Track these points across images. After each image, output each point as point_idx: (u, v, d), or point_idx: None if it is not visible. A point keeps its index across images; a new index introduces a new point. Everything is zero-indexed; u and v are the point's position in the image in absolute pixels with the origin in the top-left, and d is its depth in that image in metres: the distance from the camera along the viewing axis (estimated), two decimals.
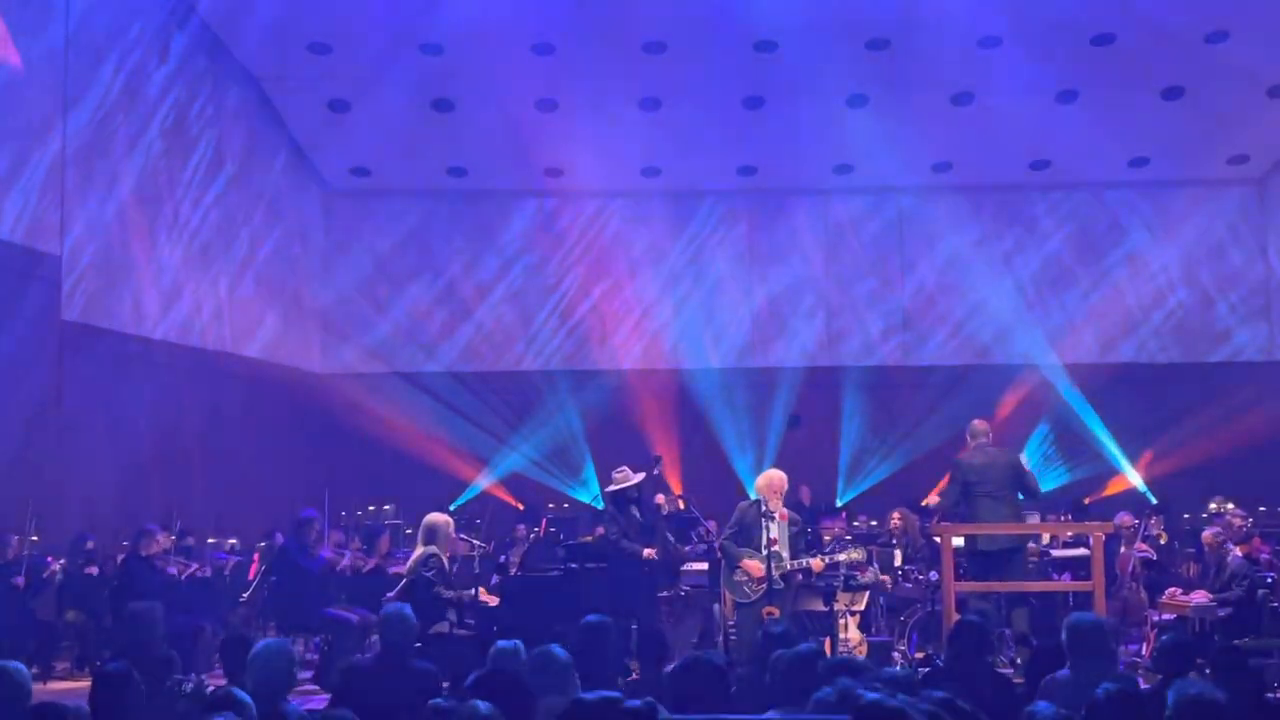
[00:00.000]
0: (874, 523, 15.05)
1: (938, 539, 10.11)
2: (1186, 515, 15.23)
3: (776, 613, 9.39)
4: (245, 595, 11.74)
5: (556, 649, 5.61)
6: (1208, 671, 7.61)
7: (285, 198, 16.23)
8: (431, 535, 9.35)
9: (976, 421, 10.56)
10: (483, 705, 4.30)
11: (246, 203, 15.20)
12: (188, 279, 14.05)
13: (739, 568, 9.75)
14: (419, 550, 9.33)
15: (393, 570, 11.60)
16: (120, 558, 11.10)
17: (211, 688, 6.05)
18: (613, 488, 10.82)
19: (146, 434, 12.96)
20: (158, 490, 12.72)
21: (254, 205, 15.39)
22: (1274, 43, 14.19)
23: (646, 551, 10.44)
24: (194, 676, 7.86)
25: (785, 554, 9.71)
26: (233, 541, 13.30)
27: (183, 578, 11.25)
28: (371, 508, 16.01)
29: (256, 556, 12.50)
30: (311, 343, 16.97)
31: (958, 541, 10.50)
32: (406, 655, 6.59)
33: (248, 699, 4.74)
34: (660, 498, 11.29)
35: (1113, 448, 16.76)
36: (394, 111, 15.51)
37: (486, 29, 14.09)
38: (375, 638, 9.24)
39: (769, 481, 9.96)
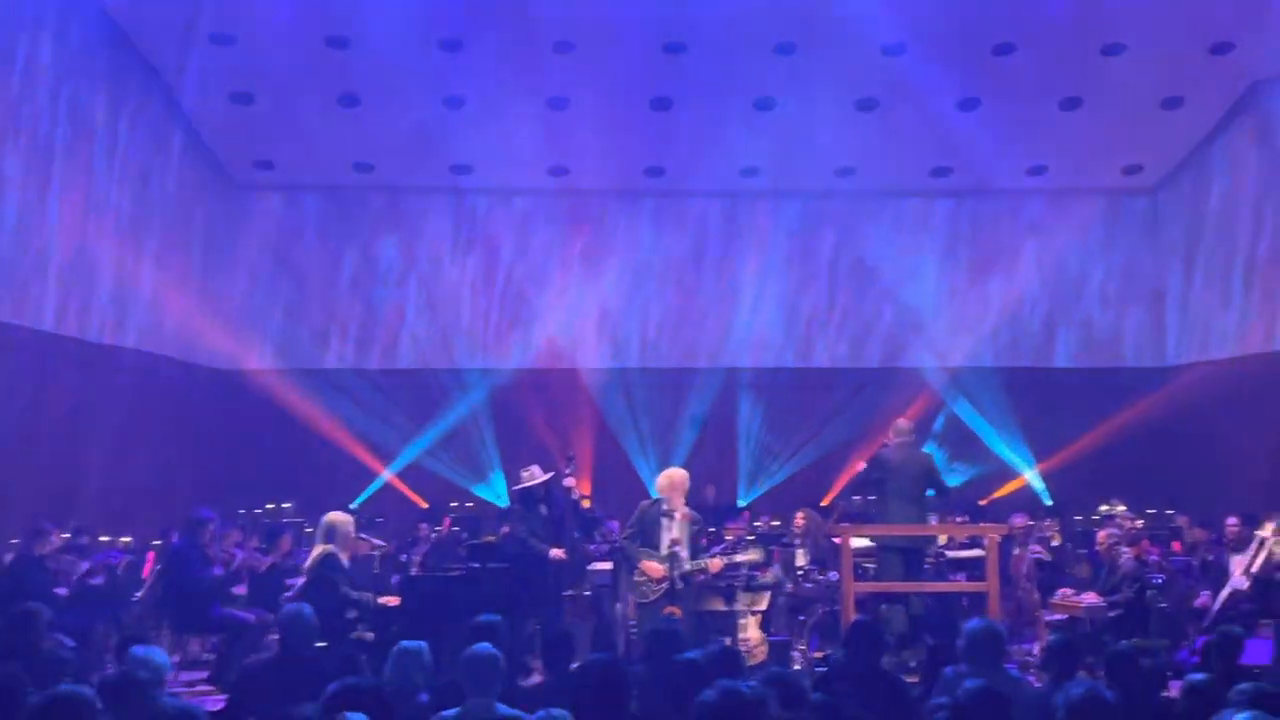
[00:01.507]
0: (776, 523, 15.18)
1: (837, 540, 10.28)
2: (1079, 517, 15.58)
3: (678, 613, 9.44)
4: (139, 595, 11.52)
5: (488, 649, 5.60)
6: (1099, 671, 7.81)
7: (187, 191, 15.93)
8: (330, 534, 9.26)
9: (901, 420, 10.91)
10: (353, 717, 4.29)
11: (148, 196, 14.88)
12: (83, 271, 13.74)
13: (638, 569, 9.78)
14: (317, 549, 9.24)
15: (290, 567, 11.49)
16: (10, 557, 10.83)
17: None
18: (520, 486, 10.81)
19: (39, 430, 12.62)
20: (51, 489, 12.40)
21: (155, 198, 15.07)
22: (1167, 57, 14.56)
23: (554, 551, 10.43)
24: None
25: (685, 554, 9.76)
26: (126, 540, 13.03)
27: (75, 578, 11.01)
28: (271, 506, 15.81)
29: (151, 556, 12.26)
30: (212, 338, 16.67)
31: (864, 542, 10.70)
32: (305, 656, 6.53)
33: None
34: (571, 483, 11.24)
35: (1007, 451, 17.09)
36: (299, 105, 15.32)
37: (394, 24, 13.96)
38: (274, 637, 9.13)
39: (670, 481, 10.01)
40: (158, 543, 12.55)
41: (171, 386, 15.33)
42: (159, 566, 11.62)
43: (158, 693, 5.46)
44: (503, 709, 5.36)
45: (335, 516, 9.43)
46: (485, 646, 5.52)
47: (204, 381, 16.30)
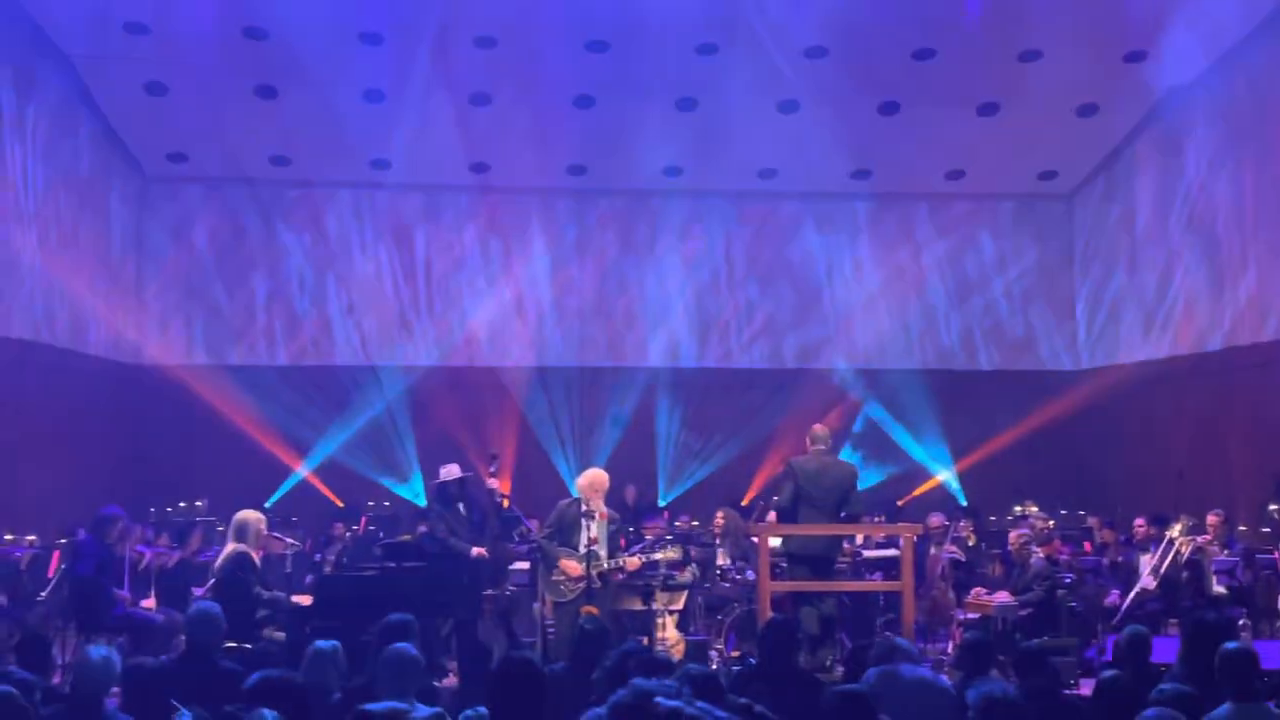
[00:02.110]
0: (695, 522, 15.22)
1: (756, 539, 10.31)
2: (993, 517, 15.78)
3: (595, 612, 9.42)
4: (43, 594, 11.26)
5: (406, 648, 5.54)
6: (1010, 670, 7.91)
7: (98, 182, 15.60)
8: (242, 533, 9.12)
9: (817, 427, 10.70)
10: (268, 714, 4.24)
11: (55, 186, 14.53)
12: None
13: (556, 567, 9.76)
14: (228, 548, 9.09)
15: (199, 560, 11.30)
16: None
17: None
18: (436, 482, 10.75)
19: None
20: None
21: (63, 189, 14.72)
22: (1083, 64, 14.79)
23: (475, 550, 10.36)
24: None
25: (604, 553, 9.76)
26: (31, 538, 12.71)
27: None
28: (183, 504, 15.52)
29: (56, 554, 11.98)
30: (122, 332, 16.35)
31: (776, 542, 10.71)
32: (212, 656, 6.41)
33: None
34: (494, 483, 11.19)
35: (923, 452, 17.28)
36: (214, 97, 15.05)
37: (313, 16, 13.77)
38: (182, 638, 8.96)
39: (590, 481, 10.00)
40: (64, 541, 12.25)
41: (80, 382, 14.97)
42: (64, 565, 11.37)
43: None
44: (421, 709, 5.31)
45: (246, 514, 9.31)
46: (404, 646, 5.47)
47: (114, 377, 15.95)
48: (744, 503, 15.41)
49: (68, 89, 14.72)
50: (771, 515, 10.98)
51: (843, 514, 10.32)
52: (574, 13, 14.08)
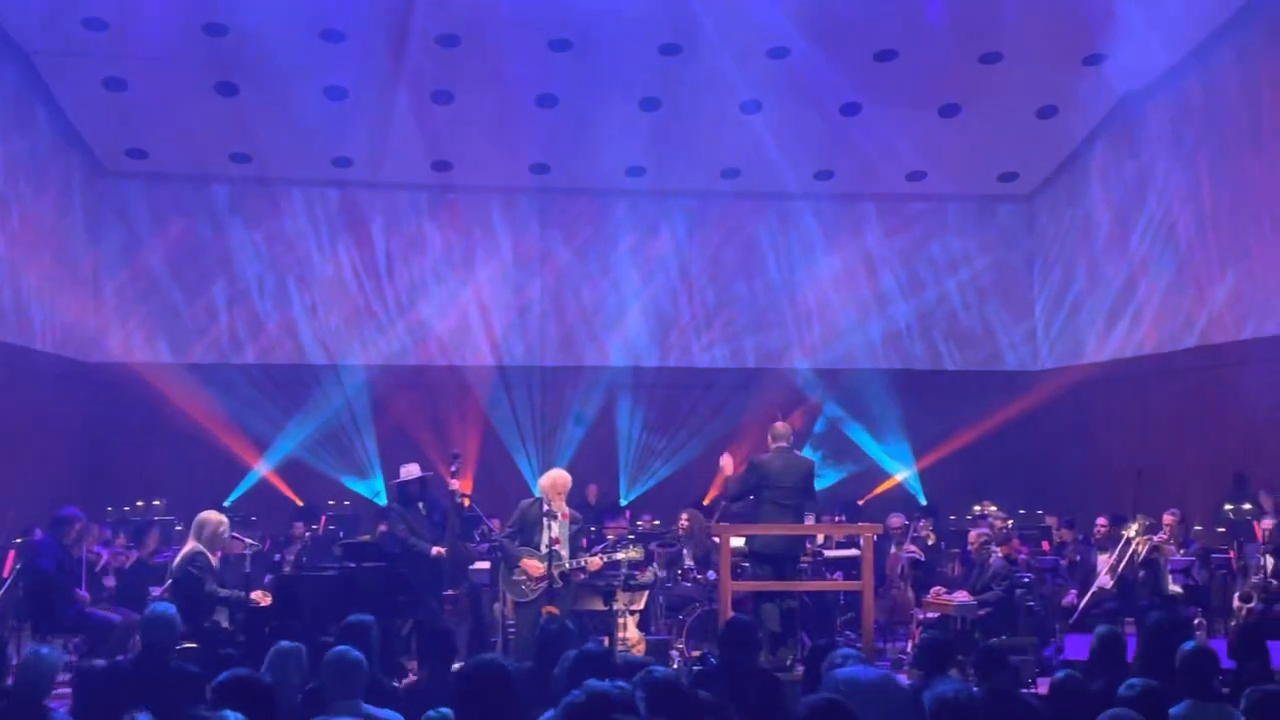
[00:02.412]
0: (657, 522, 15.23)
1: (717, 539, 10.32)
2: (952, 517, 15.87)
3: (557, 612, 9.42)
4: None
5: (353, 652, 5.52)
6: (969, 669, 7.95)
7: (55, 178, 15.44)
8: (199, 532, 9.05)
9: (779, 424, 10.72)
10: (231, 715, 4.22)
11: (10, 181, 14.38)
12: None
13: (518, 567, 9.75)
14: (185, 548, 9.03)
15: (156, 561, 11.21)
16: None
17: None
18: (397, 481, 10.72)
19: None
20: None
21: (19, 185, 14.57)
22: (1043, 66, 14.89)
23: (435, 550, 10.33)
24: None
25: (565, 553, 9.77)
26: None
27: None
28: (141, 503, 15.39)
29: (11, 554, 11.84)
30: (80, 330, 16.19)
31: (739, 543, 10.73)
32: (168, 657, 6.37)
33: None
34: (456, 484, 11.16)
35: (881, 452, 17.36)
36: (174, 93, 14.94)
37: (274, 12, 13.68)
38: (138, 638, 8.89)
39: (553, 482, 10.01)
40: (19, 540, 12.11)
41: (35, 380, 14.81)
42: (19, 565, 11.25)
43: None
44: (369, 709, 5.28)
45: (207, 515, 9.24)
46: (346, 649, 5.45)
47: (70, 374, 15.79)
48: (705, 501, 15.43)
49: (25, 84, 14.56)
50: (727, 458, 10.85)
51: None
52: (537, 11, 14.05)
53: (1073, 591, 12.01)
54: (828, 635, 10.96)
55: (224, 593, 8.87)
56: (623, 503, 16.79)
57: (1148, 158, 15.51)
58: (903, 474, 17.30)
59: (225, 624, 8.94)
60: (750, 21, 14.10)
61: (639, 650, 10.47)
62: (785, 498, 10.25)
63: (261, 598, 9.02)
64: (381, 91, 15.15)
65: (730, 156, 16.71)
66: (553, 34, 14.44)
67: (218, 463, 16.03)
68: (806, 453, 13.33)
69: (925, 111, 15.71)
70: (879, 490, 17.07)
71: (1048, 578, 12.53)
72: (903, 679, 7.56)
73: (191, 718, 4.75)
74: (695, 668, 8.90)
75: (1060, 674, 5.90)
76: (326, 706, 5.25)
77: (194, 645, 8.15)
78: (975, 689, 6.08)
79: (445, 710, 4.82)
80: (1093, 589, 11.54)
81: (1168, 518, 12.37)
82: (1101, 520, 12.67)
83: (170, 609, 6.61)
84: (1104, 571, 11.65)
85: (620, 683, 4.49)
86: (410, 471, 10.67)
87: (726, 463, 10.60)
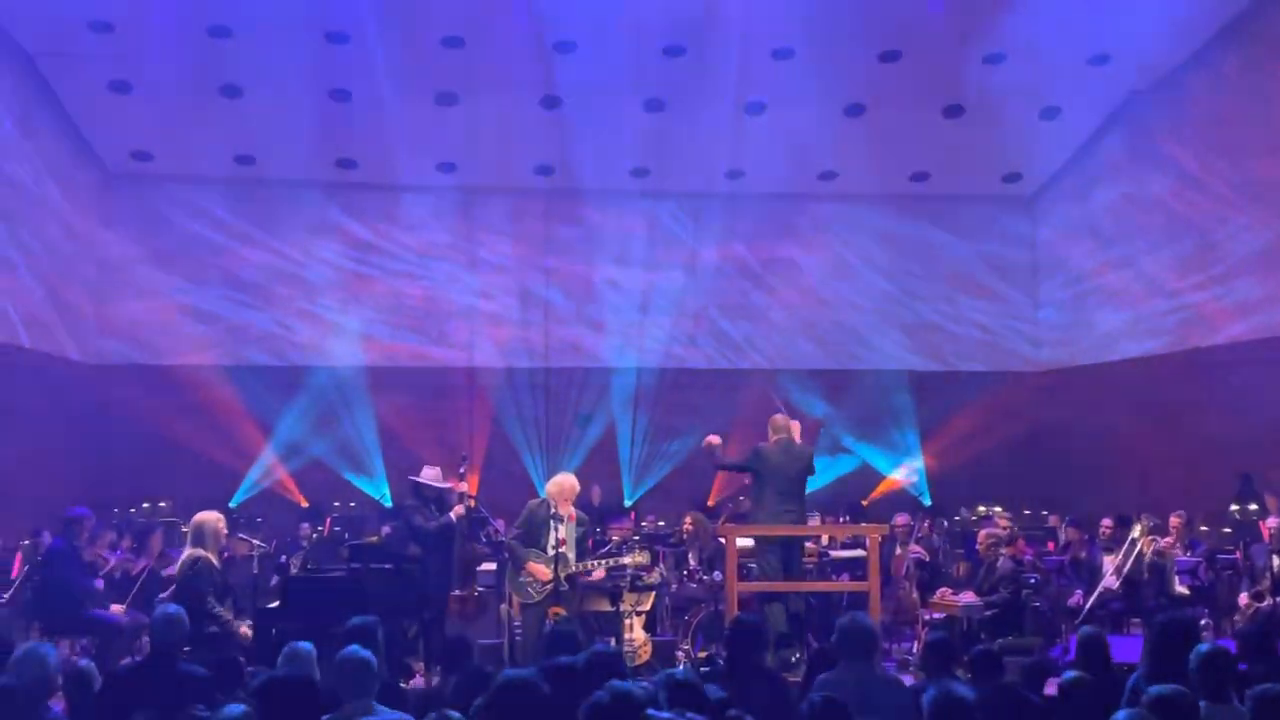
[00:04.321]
0: (661, 523, 15.23)
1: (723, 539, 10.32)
2: (956, 517, 15.86)
3: (563, 613, 9.43)
4: (6, 595, 11.16)
5: (362, 651, 5.51)
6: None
7: (59, 180, 15.45)
8: (199, 536, 9.02)
9: (778, 416, 10.77)
10: (234, 709, 4.23)
11: (15, 183, 14.42)
12: None
13: (525, 570, 9.75)
14: (186, 553, 9.01)
15: (166, 572, 11.21)
16: None
17: None
18: (415, 478, 10.75)
19: None
20: None
21: (24, 186, 14.60)
22: (1046, 67, 14.88)
23: (456, 510, 10.41)
24: None
25: (572, 555, 9.77)
26: None
27: None
28: (146, 505, 15.40)
29: (19, 556, 11.87)
30: (84, 332, 16.22)
31: (747, 542, 10.73)
32: (175, 659, 6.37)
33: None
34: (464, 486, 11.19)
35: (888, 450, 17.35)
36: (179, 95, 14.96)
37: (278, 14, 13.72)
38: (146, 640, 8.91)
39: (560, 487, 10.00)
40: (26, 543, 12.14)
41: (40, 382, 14.83)
42: (28, 566, 11.27)
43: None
44: (382, 710, 5.28)
45: (204, 517, 9.18)
46: (357, 649, 5.45)
47: (77, 377, 15.80)
48: (710, 504, 15.43)
49: (30, 86, 14.60)
50: (714, 438, 10.90)
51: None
52: (541, 13, 14.02)
53: (1079, 592, 11.99)
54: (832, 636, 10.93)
55: (217, 609, 8.83)
56: (627, 503, 16.77)
57: (1153, 158, 15.51)
58: (908, 474, 17.25)
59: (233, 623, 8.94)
60: (753, 22, 14.12)
61: (645, 651, 10.48)
62: (788, 485, 10.34)
63: (244, 632, 8.98)
64: (385, 93, 15.14)
65: (735, 157, 16.67)
66: (556, 36, 14.44)
67: (223, 464, 16.01)
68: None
69: (929, 112, 15.71)
70: (881, 490, 17.07)
71: (1054, 578, 12.52)
72: (909, 679, 7.57)
73: (193, 717, 4.74)
74: (703, 669, 8.91)
75: (1069, 674, 5.90)
76: (338, 707, 5.25)
77: (195, 648, 8.14)
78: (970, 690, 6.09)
79: (453, 714, 4.78)
80: (1099, 589, 11.53)
81: (1174, 519, 12.37)
82: (1107, 521, 12.66)
83: (178, 610, 6.62)
84: (1110, 572, 11.64)
85: (644, 683, 4.50)
86: (435, 476, 10.73)
87: (714, 440, 10.66)
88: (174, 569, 9.98)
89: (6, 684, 5.26)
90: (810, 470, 10.59)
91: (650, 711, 4.13)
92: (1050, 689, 6.90)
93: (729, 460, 11.05)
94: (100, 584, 10.60)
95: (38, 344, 14.98)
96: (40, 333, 15.09)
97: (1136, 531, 11.69)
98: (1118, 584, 11.52)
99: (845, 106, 15.68)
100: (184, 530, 12.96)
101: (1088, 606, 11.42)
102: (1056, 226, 17.64)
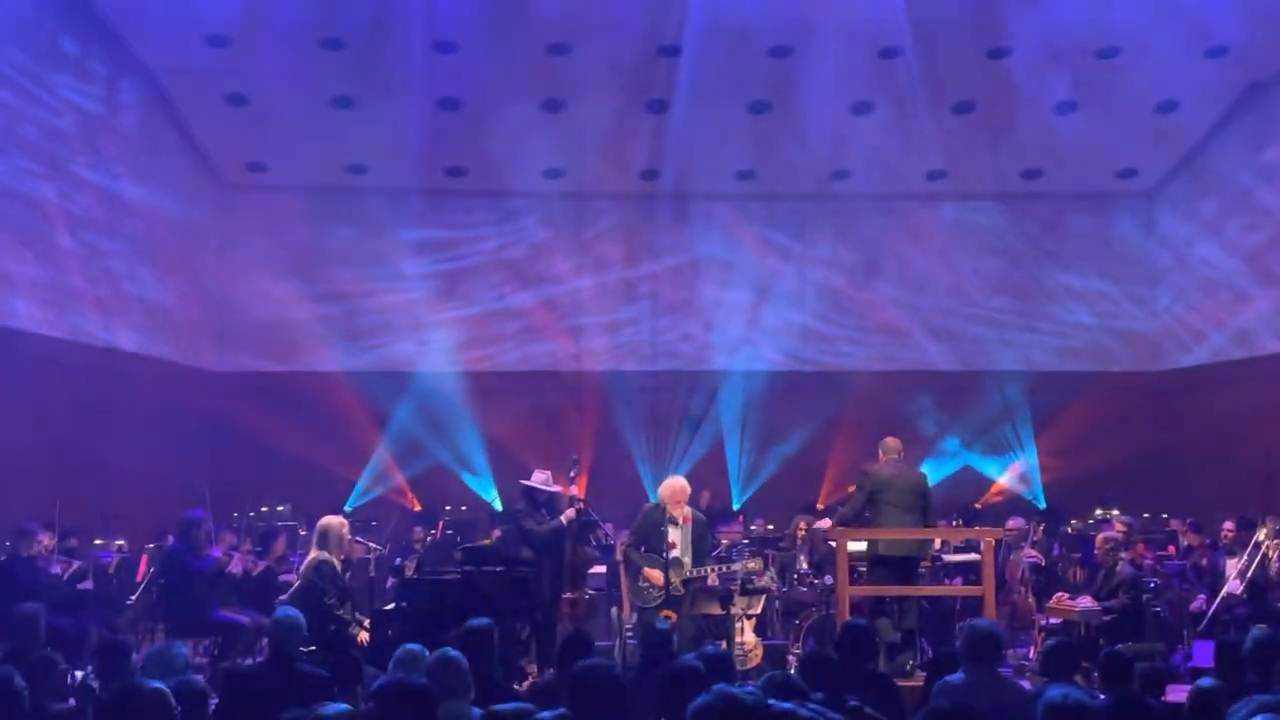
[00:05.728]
0: (770, 526, 15.15)
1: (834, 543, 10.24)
2: (1074, 521, 15.53)
3: (673, 617, 9.45)
4: (133, 598, 11.48)
5: (452, 652, 5.58)
6: (1094, 675, 7.78)
7: (180, 192, 15.88)
8: (324, 539, 9.23)
9: (889, 439, 10.65)
10: (335, 708, 4.31)
11: (139, 196, 14.85)
12: (74, 271, 13.70)
13: (642, 574, 9.78)
14: (311, 556, 9.21)
15: (283, 576, 11.46)
16: None
17: None
18: (527, 482, 10.85)
19: (25, 432, 12.46)
20: (39, 490, 12.23)
21: (147, 199, 15.04)
22: (1161, 60, 14.55)
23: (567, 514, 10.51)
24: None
25: (686, 559, 9.78)
26: (120, 543, 12.94)
27: (65, 576, 10.96)
28: (265, 509, 15.72)
29: (145, 558, 12.21)
30: (204, 340, 16.62)
31: (859, 547, 10.63)
32: (294, 660, 6.50)
33: None
34: (574, 490, 11.30)
35: (1002, 454, 17.09)
36: (293, 107, 15.28)
37: (388, 22, 13.96)
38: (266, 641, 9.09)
39: (671, 490, 10.03)
40: (151, 546, 12.48)
41: (163, 389, 15.20)
42: (153, 569, 11.57)
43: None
44: (477, 712, 5.33)
45: (329, 521, 9.41)
46: (446, 650, 5.53)
47: (196, 384, 16.17)
48: (819, 506, 15.32)
49: (152, 100, 15.06)
50: (825, 522, 10.89)
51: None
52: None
53: (1201, 596, 11.70)
54: (948, 643, 10.80)
55: (339, 611, 9.01)
56: (735, 506, 16.73)
57: (1274, 149, 15.10)
58: (1020, 476, 16.96)
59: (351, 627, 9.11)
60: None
61: (756, 655, 10.46)
62: (900, 500, 10.14)
63: (362, 634, 9.15)
64: (493, 100, 15.33)
65: (842, 157, 16.56)
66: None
67: (338, 469, 16.26)
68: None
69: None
70: (994, 492, 16.82)
71: (1175, 583, 12.23)
72: (1026, 685, 7.45)
73: (297, 718, 4.82)
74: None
75: (1205, 681, 5.73)
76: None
77: (317, 649, 8.30)
78: (1100, 695, 5.97)
79: (561, 710, 4.83)
80: (1222, 594, 11.24)
81: None
82: (1229, 524, 12.34)
83: (296, 612, 6.75)
84: (1233, 576, 11.33)
85: (749, 686, 4.49)
86: (546, 481, 10.83)
87: (824, 524, 10.59)
88: (293, 574, 10.20)
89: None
90: (926, 497, 10.32)
91: (771, 702, 4.13)
92: (1171, 696, 6.75)
93: (845, 510, 10.64)
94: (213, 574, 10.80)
95: (163, 353, 15.41)
96: (167, 341, 15.51)
97: (1261, 534, 11.37)
98: (1241, 588, 11.22)
99: (954, 104, 15.48)
100: (303, 534, 13.29)
101: (1211, 612, 11.14)
102: (1174, 222, 17.23)
